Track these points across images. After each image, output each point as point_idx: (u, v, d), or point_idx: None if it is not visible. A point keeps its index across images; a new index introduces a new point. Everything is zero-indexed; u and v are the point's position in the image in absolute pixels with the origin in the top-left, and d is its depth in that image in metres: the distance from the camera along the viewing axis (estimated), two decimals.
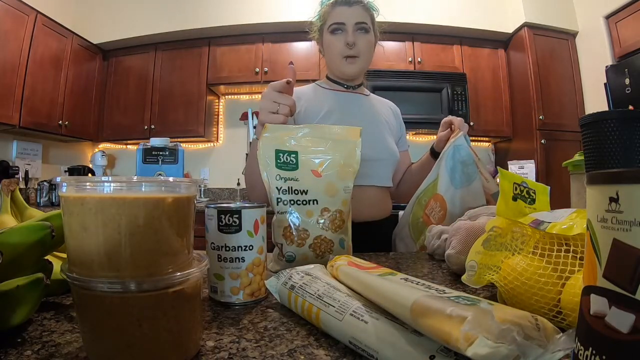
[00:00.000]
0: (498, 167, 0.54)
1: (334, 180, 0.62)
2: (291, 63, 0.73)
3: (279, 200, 0.60)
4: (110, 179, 0.29)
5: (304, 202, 0.60)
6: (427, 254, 0.77)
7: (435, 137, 1.04)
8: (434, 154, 1.05)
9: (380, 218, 1.01)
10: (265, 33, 2.80)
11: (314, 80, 1.12)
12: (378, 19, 1.03)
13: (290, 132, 0.63)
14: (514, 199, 0.48)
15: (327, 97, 1.00)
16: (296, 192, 0.60)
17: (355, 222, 0.93)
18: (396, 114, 1.14)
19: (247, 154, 3.06)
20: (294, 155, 0.61)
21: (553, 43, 2.68)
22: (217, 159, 3.13)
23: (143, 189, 0.30)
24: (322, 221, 0.60)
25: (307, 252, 0.60)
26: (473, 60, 2.83)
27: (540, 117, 2.56)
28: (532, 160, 2.53)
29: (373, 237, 0.96)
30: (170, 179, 0.31)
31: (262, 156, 0.61)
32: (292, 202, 0.60)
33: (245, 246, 0.46)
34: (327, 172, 0.62)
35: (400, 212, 1.09)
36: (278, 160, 0.61)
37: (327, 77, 1.06)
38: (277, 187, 0.60)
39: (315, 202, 0.60)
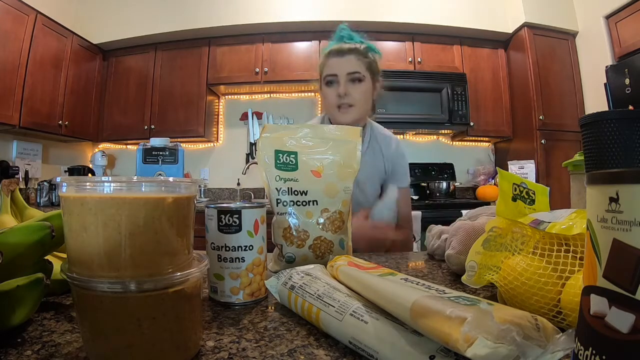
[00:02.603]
0: (497, 168, 0.54)
1: (334, 180, 0.62)
2: None
3: (279, 201, 0.60)
4: (110, 179, 0.29)
5: (304, 203, 0.60)
6: (427, 254, 0.77)
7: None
8: None
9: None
10: (265, 33, 2.80)
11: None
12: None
13: (290, 132, 0.63)
14: (514, 199, 0.48)
15: None
16: (296, 192, 0.60)
17: None
18: (398, 152, 1.10)
19: (247, 154, 3.07)
20: (293, 156, 0.61)
21: (553, 43, 2.67)
22: (217, 159, 3.12)
23: (143, 189, 0.30)
24: (322, 222, 0.60)
25: (307, 252, 0.60)
26: (473, 60, 2.83)
27: (540, 117, 2.56)
28: (532, 161, 2.53)
29: None
30: (170, 179, 0.31)
31: (262, 156, 0.61)
32: (291, 202, 0.60)
33: (245, 246, 0.46)
34: (326, 172, 0.61)
35: None
36: (277, 161, 0.61)
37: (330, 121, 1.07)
38: (276, 188, 0.60)
39: (315, 202, 0.60)
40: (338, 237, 0.61)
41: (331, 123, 1.08)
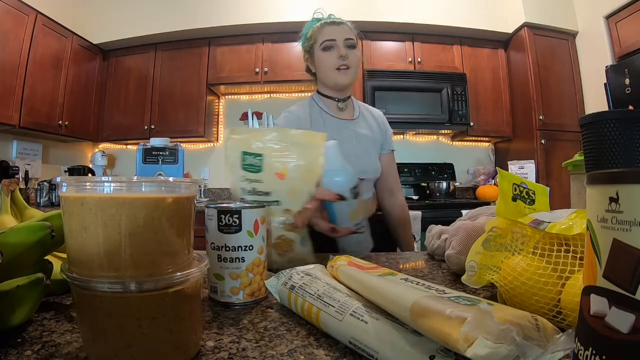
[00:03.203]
0: (497, 168, 0.54)
1: (298, 183, 0.63)
2: None
3: (243, 201, 0.62)
4: (110, 179, 0.29)
5: (266, 203, 0.61)
6: (427, 254, 0.77)
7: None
8: None
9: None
10: (265, 33, 2.80)
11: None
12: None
13: (258, 135, 0.65)
14: (514, 199, 0.48)
15: (321, 128, 1.05)
16: (259, 193, 0.62)
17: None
18: (380, 122, 1.17)
19: None
20: (259, 158, 0.63)
21: (553, 43, 2.67)
22: (217, 159, 3.12)
23: (143, 189, 0.30)
24: (283, 221, 0.62)
25: (269, 250, 0.61)
26: (473, 60, 2.83)
27: (540, 117, 2.56)
28: (532, 161, 2.53)
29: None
30: (170, 179, 0.31)
31: (229, 157, 0.63)
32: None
33: (245, 246, 0.46)
34: (290, 175, 0.63)
35: None
36: (244, 162, 0.62)
37: (319, 93, 1.12)
38: (242, 188, 0.62)
39: (277, 203, 0.62)
40: (299, 236, 0.63)
41: (321, 94, 1.11)
